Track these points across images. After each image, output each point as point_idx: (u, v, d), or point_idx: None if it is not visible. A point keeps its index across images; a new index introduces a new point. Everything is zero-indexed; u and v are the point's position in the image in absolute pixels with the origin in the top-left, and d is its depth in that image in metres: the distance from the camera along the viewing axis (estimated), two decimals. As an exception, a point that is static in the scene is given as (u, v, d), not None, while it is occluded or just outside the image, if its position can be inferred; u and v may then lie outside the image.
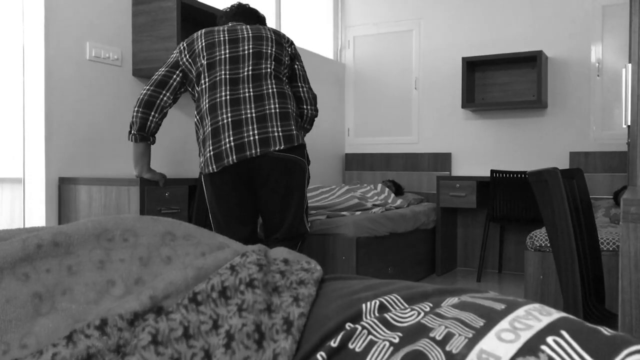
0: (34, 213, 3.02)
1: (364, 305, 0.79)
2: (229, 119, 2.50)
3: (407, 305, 0.79)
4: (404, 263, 4.46)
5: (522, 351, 0.62)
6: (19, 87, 3.05)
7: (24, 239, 0.89)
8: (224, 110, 2.52)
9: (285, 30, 5.13)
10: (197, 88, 2.63)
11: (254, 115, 2.51)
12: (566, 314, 0.70)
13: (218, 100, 2.54)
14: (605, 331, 0.64)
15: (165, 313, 0.81)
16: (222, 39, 2.63)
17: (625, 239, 1.34)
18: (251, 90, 2.55)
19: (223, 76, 2.55)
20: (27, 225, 3.04)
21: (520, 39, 5.08)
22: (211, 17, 3.62)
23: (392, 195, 4.89)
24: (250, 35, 2.67)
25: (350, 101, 5.82)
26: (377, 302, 0.79)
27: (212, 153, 2.51)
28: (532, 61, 4.95)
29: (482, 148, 5.24)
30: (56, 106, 3.03)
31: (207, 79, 2.57)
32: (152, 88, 2.62)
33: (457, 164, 5.35)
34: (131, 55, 3.43)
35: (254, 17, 2.90)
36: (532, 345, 0.62)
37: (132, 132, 2.67)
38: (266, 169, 2.55)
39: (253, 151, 2.49)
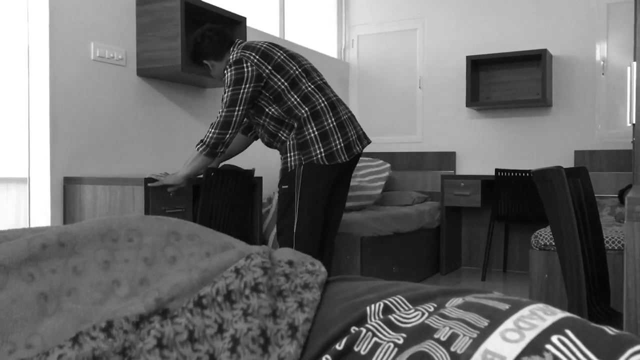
0: (39, 213, 3.03)
1: (368, 308, 0.79)
2: (347, 115, 2.92)
3: (411, 307, 0.79)
4: (409, 262, 4.46)
5: (527, 351, 0.62)
6: (24, 88, 3.05)
7: (29, 239, 0.89)
8: (341, 108, 2.90)
9: (289, 30, 5.13)
10: (290, 93, 2.80)
11: (349, 114, 2.94)
12: (571, 313, 0.70)
13: (333, 99, 2.90)
14: (610, 330, 0.64)
15: (170, 316, 0.81)
16: (292, 52, 2.94)
17: (630, 237, 1.34)
18: (333, 94, 2.94)
19: (320, 81, 2.92)
20: (33, 225, 3.05)
21: (524, 37, 5.06)
22: (215, 16, 3.62)
23: None
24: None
25: (354, 100, 5.82)
26: (382, 304, 0.79)
27: (343, 145, 2.83)
28: (536, 60, 4.94)
29: (487, 147, 5.23)
30: (61, 106, 3.03)
31: (309, 83, 2.86)
32: (244, 107, 2.77)
33: (462, 163, 5.34)
34: (135, 55, 3.44)
35: None
36: (537, 345, 0.62)
37: (219, 150, 2.80)
38: (355, 162, 2.98)
39: (364, 142, 2.96)
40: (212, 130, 2.75)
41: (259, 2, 4.81)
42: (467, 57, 4.98)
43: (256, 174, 4.22)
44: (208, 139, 2.76)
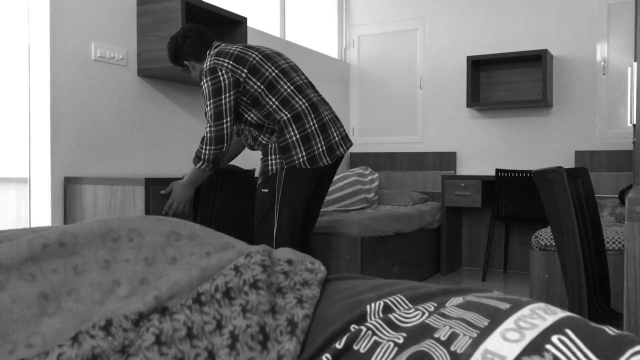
0: (40, 213, 3.03)
1: (368, 307, 0.79)
2: (329, 116, 2.84)
3: (411, 306, 0.79)
4: (409, 262, 4.45)
5: (527, 350, 0.62)
6: (24, 88, 3.06)
7: (30, 239, 0.89)
8: (322, 109, 2.82)
9: (290, 29, 5.13)
10: (268, 96, 2.73)
11: (331, 115, 2.87)
12: (571, 313, 0.70)
13: (314, 100, 2.81)
14: (610, 331, 0.64)
15: (169, 313, 0.81)
16: (268, 52, 2.84)
17: (630, 238, 1.34)
18: (315, 94, 2.87)
19: (300, 81, 2.82)
20: (33, 225, 3.05)
21: (525, 37, 5.06)
22: (215, 17, 3.62)
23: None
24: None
25: (354, 100, 5.82)
26: (382, 303, 0.79)
27: (325, 147, 2.76)
28: (537, 60, 4.94)
29: (487, 147, 5.23)
30: (62, 106, 3.03)
31: (288, 84, 2.78)
32: (232, 117, 2.71)
33: (462, 163, 5.34)
34: (136, 55, 3.44)
35: None
36: (537, 344, 0.62)
37: (220, 161, 2.78)
38: (337, 164, 2.91)
39: (347, 144, 2.89)
40: (207, 147, 2.70)
41: (260, 2, 4.81)
42: (468, 57, 4.98)
43: (256, 174, 4.22)
44: (207, 157, 2.72)
